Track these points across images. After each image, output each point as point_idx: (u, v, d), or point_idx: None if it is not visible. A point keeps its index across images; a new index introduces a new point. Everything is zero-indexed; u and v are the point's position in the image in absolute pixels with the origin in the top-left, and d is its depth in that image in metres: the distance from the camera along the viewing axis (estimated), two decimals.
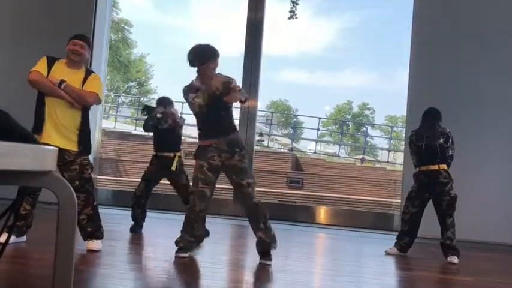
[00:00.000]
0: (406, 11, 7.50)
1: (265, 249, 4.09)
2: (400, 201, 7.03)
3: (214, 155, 4.09)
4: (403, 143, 7.42)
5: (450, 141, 5.18)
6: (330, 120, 34.27)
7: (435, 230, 6.28)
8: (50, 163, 1.50)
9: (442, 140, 5.16)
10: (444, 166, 5.09)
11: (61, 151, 3.98)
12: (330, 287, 3.89)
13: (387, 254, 5.16)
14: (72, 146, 4.04)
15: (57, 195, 1.50)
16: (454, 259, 4.92)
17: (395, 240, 5.25)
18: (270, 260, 4.05)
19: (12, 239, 4.06)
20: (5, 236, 3.99)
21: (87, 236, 4.14)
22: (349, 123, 35.44)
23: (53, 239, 1.48)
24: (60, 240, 1.50)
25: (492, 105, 6.69)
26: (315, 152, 20.43)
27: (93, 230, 4.14)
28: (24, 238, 4.23)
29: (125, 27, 29.33)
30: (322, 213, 7.99)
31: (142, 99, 27.48)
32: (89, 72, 4.22)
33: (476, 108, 6.70)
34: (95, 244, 4.12)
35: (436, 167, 5.07)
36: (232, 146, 4.09)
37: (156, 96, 10.09)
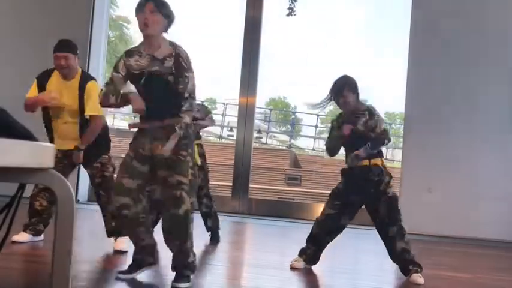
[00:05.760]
0: (405, 7, 7.49)
1: (180, 268, 3.11)
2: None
3: (144, 143, 3.09)
4: (401, 140, 7.44)
5: (375, 117, 3.80)
6: (328, 117, 34.24)
7: (427, 225, 6.33)
8: (48, 160, 1.50)
9: (362, 124, 3.79)
10: (376, 161, 3.81)
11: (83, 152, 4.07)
12: (327, 284, 3.90)
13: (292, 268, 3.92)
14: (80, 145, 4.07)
15: (55, 192, 1.51)
16: (420, 278, 3.72)
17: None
18: (187, 281, 3.08)
19: (29, 237, 4.08)
20: (23, 234, 4.03)
21: (111, 233, 4.08)
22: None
23: (51, 235, 1.48)
24: (58, 236, 1.51)
25: (491, 103, 6.70)
26: (313, 149, 20.42)
27: (114, 228, 4.05)
28: (41, 237, 4.17)
29: (123, 24, 29.26)
30: (320, 210, 7.99)
31: None
32: (83, 79, 4.07)
33: (474, 105, 6.70)
34: (121, 243, 4.01)
35: (365, 162, 3.79)
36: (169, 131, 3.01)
37: None
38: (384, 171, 3.83)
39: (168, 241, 3.11)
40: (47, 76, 4.11)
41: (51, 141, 4.10)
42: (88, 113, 3.98)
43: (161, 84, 3.04)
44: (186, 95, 3.02)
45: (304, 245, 4.00)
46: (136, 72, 3.08)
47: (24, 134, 1.50)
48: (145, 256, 3.24)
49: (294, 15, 8.40)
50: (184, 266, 3.10)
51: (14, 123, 1.53)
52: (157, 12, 3.04)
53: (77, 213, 1.67)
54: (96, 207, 4.35)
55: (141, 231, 3.16)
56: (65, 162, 4.05)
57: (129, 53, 3.16)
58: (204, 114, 5.09)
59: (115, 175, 4.00)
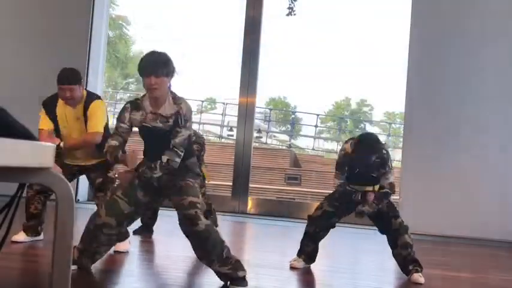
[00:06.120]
0: (404, 6, 7.49)
1: (232, 279, 3.17)
2: (398, 197, 7.04)
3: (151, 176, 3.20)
4: (401, 139, 7.44)
5: (388, 165, 3.90)
6: (328, 117, 34.26)
7: (426, 224, 6.33)
8: (48, 160, 1.49)
9: (379, 169, 3.87)
10: (377, 188, 3.93)
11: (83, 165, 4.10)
12: (327, 284, 3.90)
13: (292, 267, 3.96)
14: (95, 161, 4.07)
15: (55, 192, 1.50)
16: (420, 277, 3.75)
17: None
18: (245, 285, 3.17)
19: (29, 237, 4.11)
20: (23, 234, 4.03)
21: None
22: (347, 120, 35.39)
23: (51, 235, 1.47)
24: (58, 236, 1.50)
25: (491, 103, 6.69)
26: (313, 149, 20.43)
27: None
28: (41, 236, 4.21)
29: (123, 23, 29.24)
30: None
31: (140, 95, 27.45)
32: (87, 103, 4.05)
33: (474, 105, 6.70)
34: (122, 245, 4.01)
35: (370, 188, 3.91)
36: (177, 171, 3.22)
37: None
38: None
39: (204, 259, 3.17)
40: (54, 101, 4.09)
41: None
42: (89, 130, 3.97)
43: (162, 136, 3.19)
44: (171, 146, 3.16)
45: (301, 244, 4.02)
46: (140, 126, 3.24)
47: (24, 134, 1.49)
48: (85, 261, 3.26)
49: (294, 15, 8.41)
50: (234, 269, 3.14)
51: (14, 122, 1.52)
52: (161, 76, 3.14)
53: (77, 213, 1.66)
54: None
55: (102, 248, 3.27)
56: (74, 170, 4.09)
57: (134, 106, 3.27)
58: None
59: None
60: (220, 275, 3.17)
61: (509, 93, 6.69)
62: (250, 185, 8.04)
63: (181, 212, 3.12)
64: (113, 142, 3.23)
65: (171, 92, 3.26)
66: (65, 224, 1.51)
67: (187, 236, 3.13)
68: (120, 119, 3.26)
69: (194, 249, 3.17)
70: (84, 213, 4.27)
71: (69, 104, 4.02)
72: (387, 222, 3.88)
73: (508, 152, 6.61)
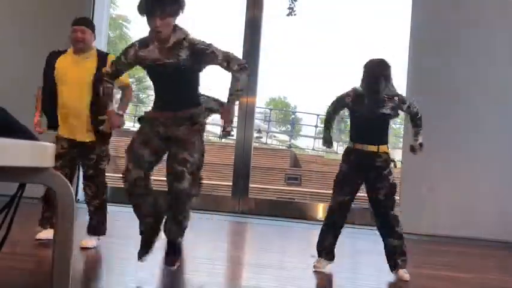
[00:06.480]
0: (404, 6, 7.49)
1: (171, 242, 3.27)
2: (398, 197, 7.03)
3: (159, 128, 3.21)
4: (401, 139, 7.43)
5: (407, 103, 4.09)
6: None
7: (426, 224, 6.33)
8: (48, 159, 1.50)
9: (389, 109, 3.90)
10: (385, 148, 3.89)
11: (80, 142, 4.05)
12: (327, 284, 3.90)
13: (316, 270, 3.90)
14: (91, 137, 4.02)
15: (55, 192, 1.51)
16: (405, 274, 3.83)
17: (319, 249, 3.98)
18: (175, 262, 3.27)
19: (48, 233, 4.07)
20: (47, 231, 3.95)
21: (89, 230, 4.08)
22: (347, 120, 35.39)
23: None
24: (58, 235, 1.51)
25: (490, 103, 6.69)
26: (313, 149, 20.43)
27: (96, 223, 4.09)
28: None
29: (123, 23, 29.24)
30: (321, 210, 7.98)
31: (141, 95, 27.46)
32: (102, 55, 4.11)
33: (474, 106, 6.69)
34: (89, 242, 4.03)
35: (374, 148, 3.83)
36: (182, 120, 3.18)
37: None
38: (390, 158, 3.93)
39: (168, 213, 3.23)
40: (57, 55, 4.14)
41: (53, 125, 4.04)
42: (123, 80, 3.96)
43: (176, 76, 3.08)
44: (225, 63, 3.12)
45: (315, 245, 4.02)
46: (151, 64, 3.11)
47: (24, 134, 1.50)
48: (150, 232, 3.35)
49: (294, 15, 8.40)
50: (178, 235, 3.23)
51: (14, 123, 1.53)
52: (166, 16, 2.98)
53: (77, 212, 1.67)
54: None
55: (146, 203, 3.24)
56: (74, 154, 4.05)
57: (142, 43, 3.15)
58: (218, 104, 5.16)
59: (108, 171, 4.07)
60: (168, 231, 3.23)
61: (509, 94, 6.69)
62: (250, 185, 8.04)
63: (171, 164, 3.08)
64: (108, 69, 3.33)
65: (176, 25, 3.10)
66: (65, 224, 1.51)
67: (168, 194, 3.13)
68: (124, 53, 3.19)
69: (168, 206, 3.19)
70: (84, 213, 4.29)
71: (79, 49, 4.02)
72: (384, 213, 3.89)
73: (508, 153, 6.61)
